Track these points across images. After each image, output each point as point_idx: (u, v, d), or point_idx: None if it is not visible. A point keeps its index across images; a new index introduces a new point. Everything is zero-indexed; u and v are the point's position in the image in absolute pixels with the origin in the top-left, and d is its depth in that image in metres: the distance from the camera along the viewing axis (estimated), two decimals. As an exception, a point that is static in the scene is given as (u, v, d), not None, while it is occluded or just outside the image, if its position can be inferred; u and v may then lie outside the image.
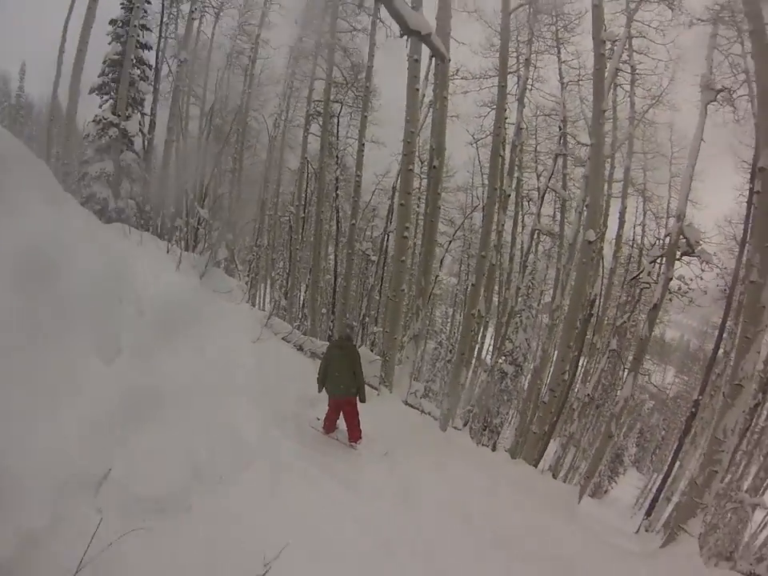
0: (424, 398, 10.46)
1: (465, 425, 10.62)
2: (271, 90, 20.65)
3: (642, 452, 32.69)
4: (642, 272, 9.50)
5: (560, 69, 13.68)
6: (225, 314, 7.86)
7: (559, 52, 13.64)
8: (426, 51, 8.11)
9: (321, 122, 16.32)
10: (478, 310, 9.52)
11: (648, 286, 9.46)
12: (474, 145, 18.14)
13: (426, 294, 9.10)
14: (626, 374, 12.19)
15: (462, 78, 14.00)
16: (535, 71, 13.93)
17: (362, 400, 6.48)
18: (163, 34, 15.11)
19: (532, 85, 13.98)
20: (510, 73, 17.12)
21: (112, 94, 12.01)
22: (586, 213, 8.94)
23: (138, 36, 12.12)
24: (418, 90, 8.58)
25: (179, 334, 6.20)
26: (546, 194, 13.78)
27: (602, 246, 11.90)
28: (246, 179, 22.12)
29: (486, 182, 18.79)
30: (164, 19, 15.05)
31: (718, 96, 8.73)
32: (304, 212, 17.64)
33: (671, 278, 8.78)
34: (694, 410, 11.77)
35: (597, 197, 8.89)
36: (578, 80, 13.21)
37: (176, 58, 15.07)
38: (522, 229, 16.90)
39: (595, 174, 8.73)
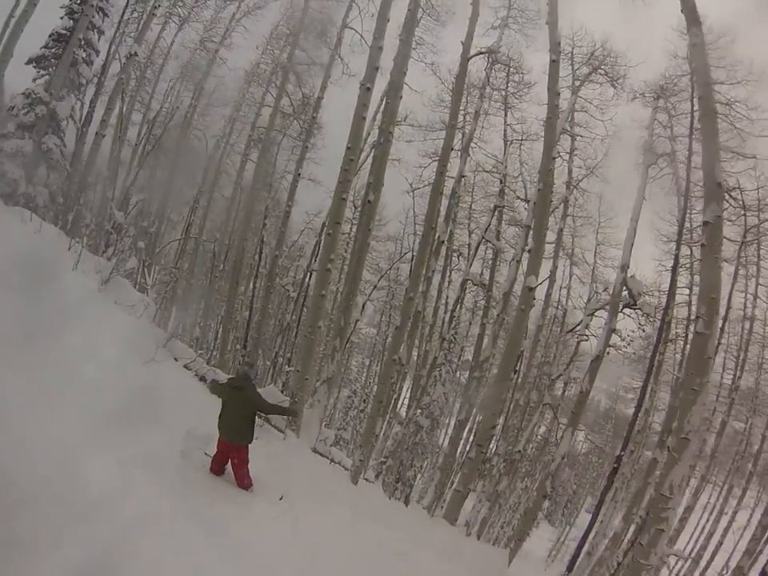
0: (334, 446, 9.55)
1: (377, 477, 9.73)
2: (219, 111, 19.98)
3: (554, 505, 32.77)
4: (579, 324, 9.38)
5: (505, 130, 13.96)
6: (118, 328, 6.79)
7: (506, 114, 14.01)
8: (378, 82, 7.91)
9: (260, 148, 15.58)
10: (399, 357, 8.90)
11: (586, 338, 9.34)
12: (411, 194, 18.21)
13: (344, 336, 8.39)
14: (562, 430, 11.89)
15: (409, 125, 13.90)
16: (480, 130, 14.17)
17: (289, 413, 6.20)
18: (122, 29, 14.07)
19: (476, 142, 14.24)
20: (458, 129, 17.66)
21: (50, 70, 10.69)
22: (527, 260, 8.71)
23: (93, 17, 10.96)
24: (364, 118, 8.14)
25: (51, 343, 5.14)
26: (479, 248, 13.80)
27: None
28: (175, 197, 20.91)
29: (419, 232, 18.90)
30: (125, 16, 14.05)
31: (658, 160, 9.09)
32: (228, 240, 16.49)
33: (614, 330, 8.70)
34: (616, 465, 11.58)
35: (540, 242, 8.74)
36: (522, 140, 13.62)
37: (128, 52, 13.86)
38: (449, 284, 16.77)
39: (541, 217, 8.62)
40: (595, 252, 14.47)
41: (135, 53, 13.48)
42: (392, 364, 8.35)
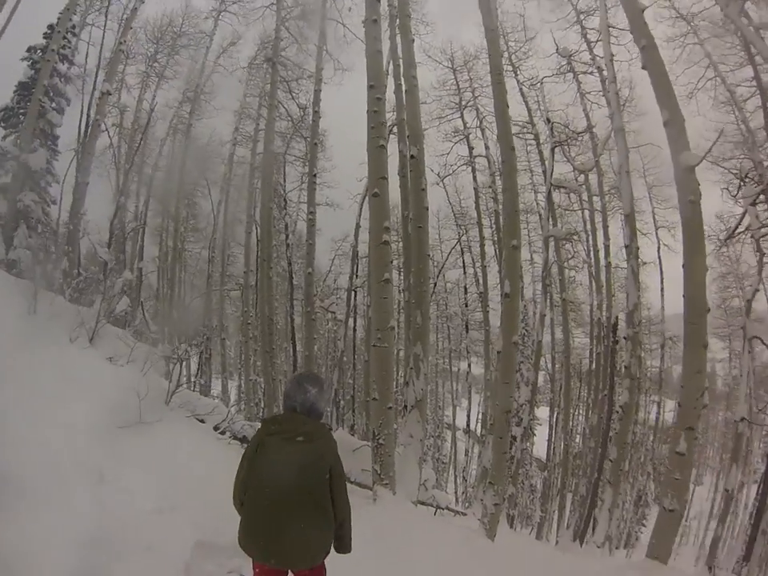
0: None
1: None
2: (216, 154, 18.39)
3: (659, 486, 28.63)
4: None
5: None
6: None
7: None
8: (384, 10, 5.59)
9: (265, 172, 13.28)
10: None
11: None
12: (441, 183, 15.89)
13: (426, 338, 5.74)
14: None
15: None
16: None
17: (344, 550, 2.73)
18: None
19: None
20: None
21: (20, 127, 9.27)
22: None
23: (56, 63, 9.57)
24: (380, 51, 5.71)
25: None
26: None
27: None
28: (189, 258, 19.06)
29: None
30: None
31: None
32: (256, 276, 13.92)
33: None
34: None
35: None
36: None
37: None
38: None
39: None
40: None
41: (108, 91, 11.57)
42: (513, 347, 5.51)
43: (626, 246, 8.91)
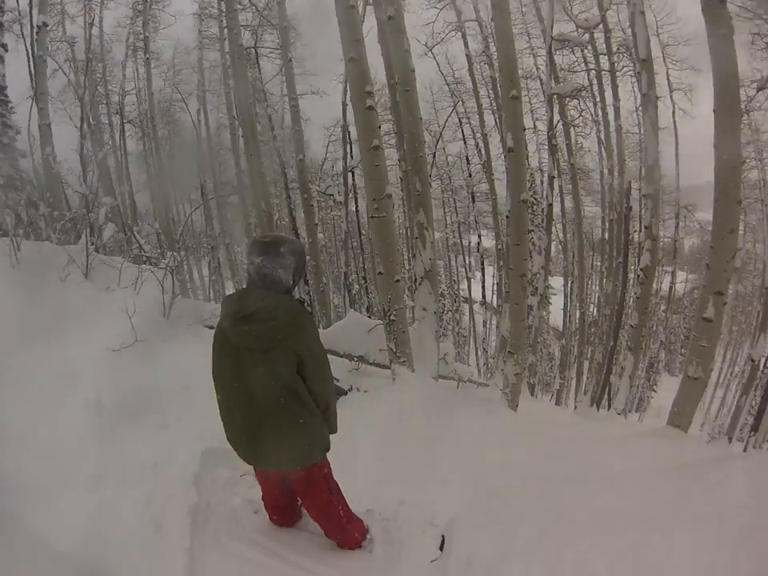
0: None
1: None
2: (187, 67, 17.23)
3: (670, 354, 29.70)
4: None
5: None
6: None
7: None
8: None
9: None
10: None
11: None
12: (430, 53, 14.62)
13: (428, 205, 5.32)
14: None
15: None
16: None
17: (329, 431, 2.42)
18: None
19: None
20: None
21: None
22: None
23: None
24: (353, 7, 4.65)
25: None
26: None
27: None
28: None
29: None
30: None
31: None
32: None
33: None
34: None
35: None
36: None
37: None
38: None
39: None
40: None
41: (44, 23, 10.13)
42: (523, 206, 5.09)
43: (643, 95, 7.97)
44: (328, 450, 2.38)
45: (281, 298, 2.18)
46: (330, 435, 2.39)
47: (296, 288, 2.35)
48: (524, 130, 5.18)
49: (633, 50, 9.20)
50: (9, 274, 4.25)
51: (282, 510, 2.67)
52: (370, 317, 5.79)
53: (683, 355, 29.79)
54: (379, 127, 4.80)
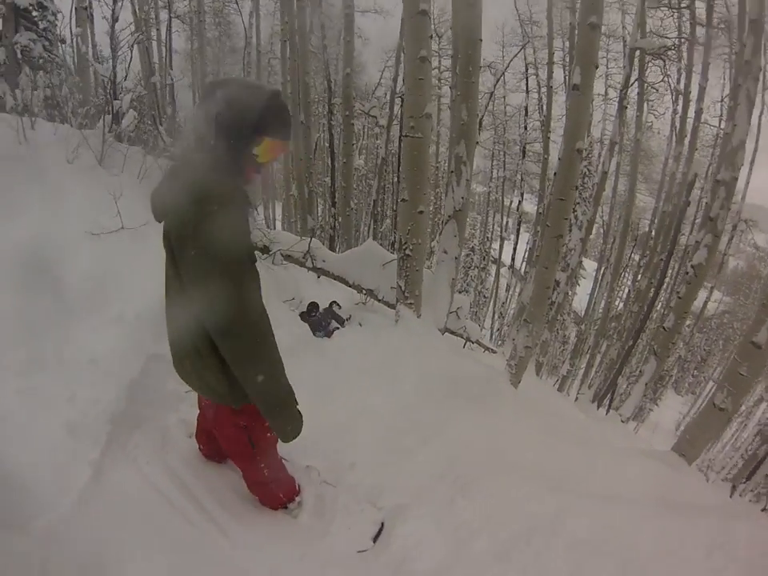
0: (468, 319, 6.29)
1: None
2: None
3: (682, 372, 28.73)
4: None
5: None
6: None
7: None
8: None
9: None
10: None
11: None
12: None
13: (472, 135, 4.66)
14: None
15: None
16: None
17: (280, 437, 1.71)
18: None
19: None
20: None
21: None
22: None
23: None
24: None
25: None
26: None
27: None
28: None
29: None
30: None
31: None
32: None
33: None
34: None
35: None
36: None
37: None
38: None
39: None
40: None
41: None
42: (576, 154, 4.45)
43: (746, 62, 6.80)
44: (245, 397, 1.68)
45: (204, 181, 1.43)
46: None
47: (240, 160, 1.54)
48: (596, 67, 4.42)
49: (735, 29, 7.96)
50: (9, 150, 3.86)
51: (213, 440, 2.15)
52: (393, 252, 5.27)
53: (694, 377, 28.78)
54: (431, 37, 4.11)
